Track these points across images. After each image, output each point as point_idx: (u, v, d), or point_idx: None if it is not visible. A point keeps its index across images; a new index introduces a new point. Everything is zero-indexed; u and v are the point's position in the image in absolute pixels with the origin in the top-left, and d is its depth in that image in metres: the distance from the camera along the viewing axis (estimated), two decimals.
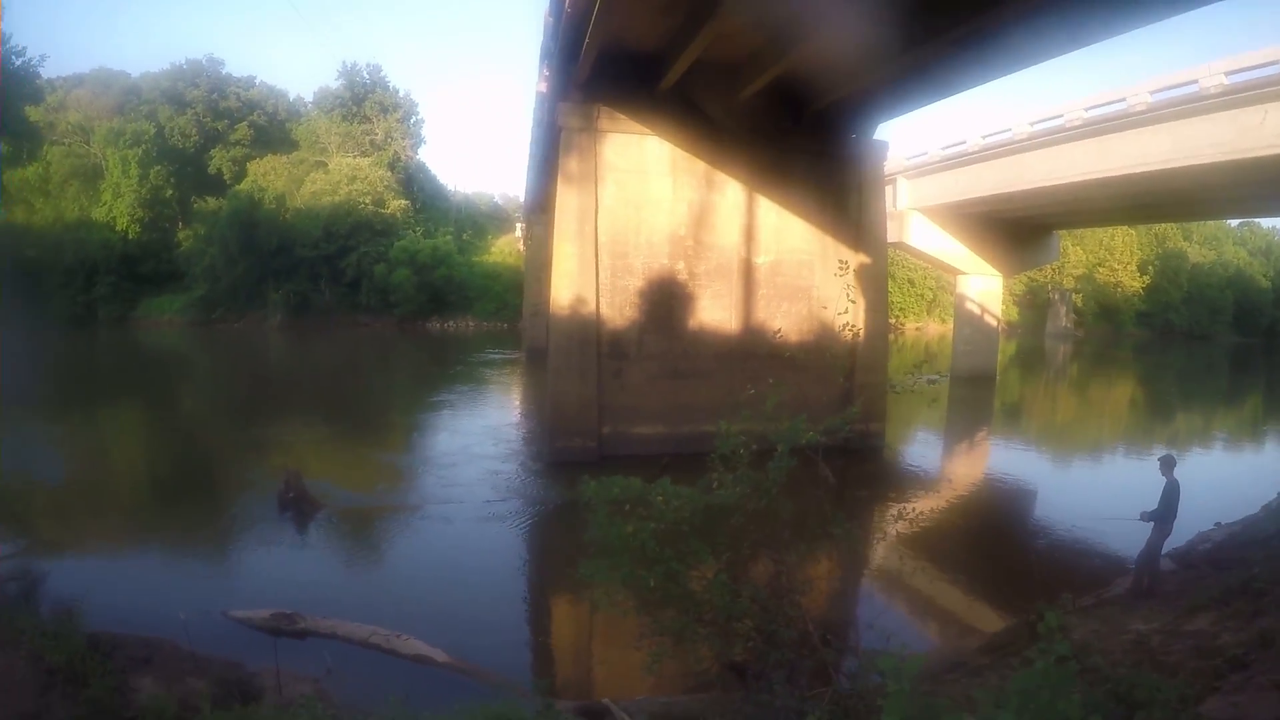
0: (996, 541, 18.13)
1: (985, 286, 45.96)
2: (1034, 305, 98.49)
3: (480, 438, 25.48)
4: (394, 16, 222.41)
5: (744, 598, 8.18)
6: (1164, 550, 12.45)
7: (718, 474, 8.29)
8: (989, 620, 12.89)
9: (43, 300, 68.27)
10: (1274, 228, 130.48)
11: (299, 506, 17.15)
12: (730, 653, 8.31)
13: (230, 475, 21.81)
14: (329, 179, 71.31)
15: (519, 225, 78.60)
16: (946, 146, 39.42)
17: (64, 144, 73.76)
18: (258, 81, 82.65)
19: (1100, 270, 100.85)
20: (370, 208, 70.65)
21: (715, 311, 23.48)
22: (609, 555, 7.85)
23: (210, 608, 11.69)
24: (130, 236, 72.27)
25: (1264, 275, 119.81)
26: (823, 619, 9.33)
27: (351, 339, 62.59)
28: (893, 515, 18.51)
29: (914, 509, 19.47)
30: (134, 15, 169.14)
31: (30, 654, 8.73)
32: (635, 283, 22.56)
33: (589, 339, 21.90)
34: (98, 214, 73.06)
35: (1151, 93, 27.30)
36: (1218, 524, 16.75)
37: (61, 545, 15.92)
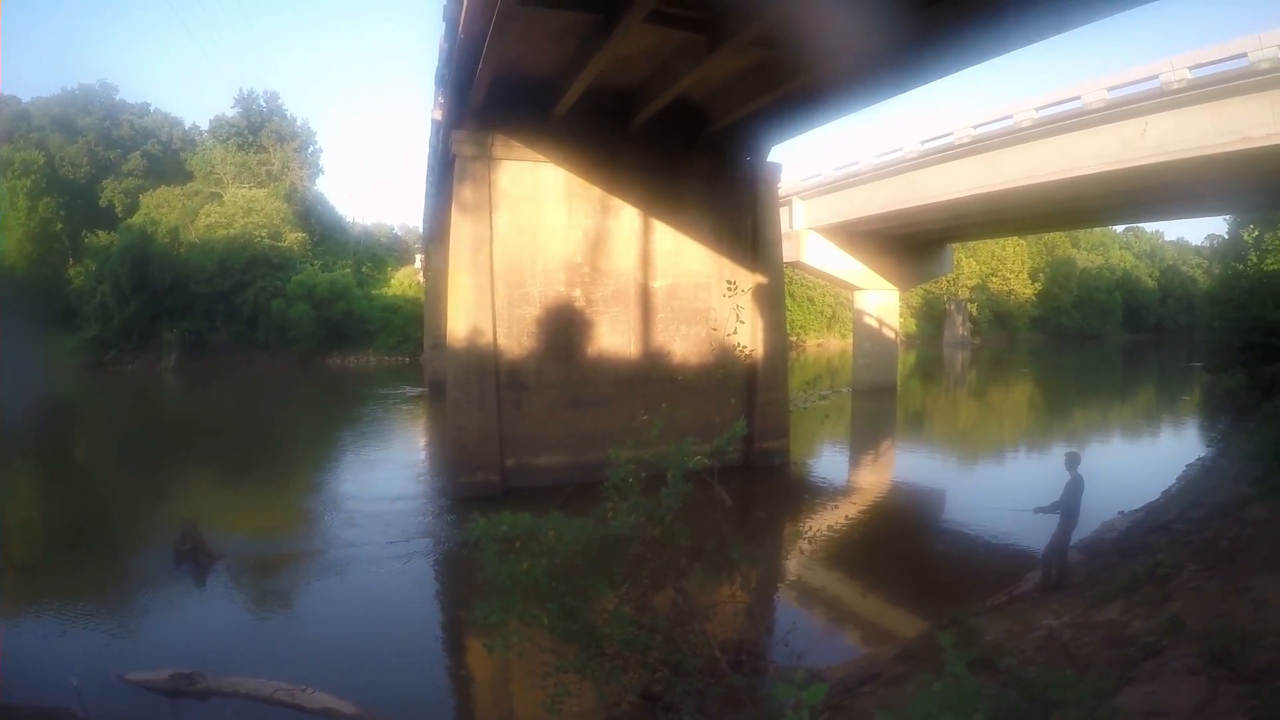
0: (906, 547, 18.47)
1: (882, 301, 47.13)
2: (931, 316, 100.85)
3: (383, 476, 25.07)
4: (292, 43, 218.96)
5: (645, 629, 8.08)
6: (1071, 543, 12.67)
7: (612, 503, 8.19)
8: (905, 626, 13.04)
9: None
10: (1158, 231, 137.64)
11: (197, 558, 16.55)
12: (635, 686, 8.19)
13: (125, 529, 20.88)
14: (224, 211, 69.34)
15: (418, 256, 77.37)
16: (840, 167, 40.36)
17: None
18: (152, 109, 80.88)
19: (993, 279, 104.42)
20: (267, 241, 68.67)
21: (614, 337, 23.43)
22: (502, 595, 7.67)
23: (107, 671, 11.29)
24: (18, 272, 68.18)
25: (1150, 276, 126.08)
26: (732, 643, 9.27)
27: (249, 378, 60.72)
28: (799, 530, 18.66)
29: (821, 522, 19.76)
30: (24, 37, 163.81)
31: None
32: (532, 311, 22.37)
33: (487, 370, 21.62)
34: None
35: (1036, 109, 28.25)
36: (1121, 513, 17.30)
37: None
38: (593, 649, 7.88)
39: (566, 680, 7.69)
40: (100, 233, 68.20)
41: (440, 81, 23.16)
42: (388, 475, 25.19)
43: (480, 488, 21.11)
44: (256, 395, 54.50)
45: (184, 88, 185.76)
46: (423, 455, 30.72)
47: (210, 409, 49.31)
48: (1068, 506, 11.88)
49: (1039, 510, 12.07)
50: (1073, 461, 11.92)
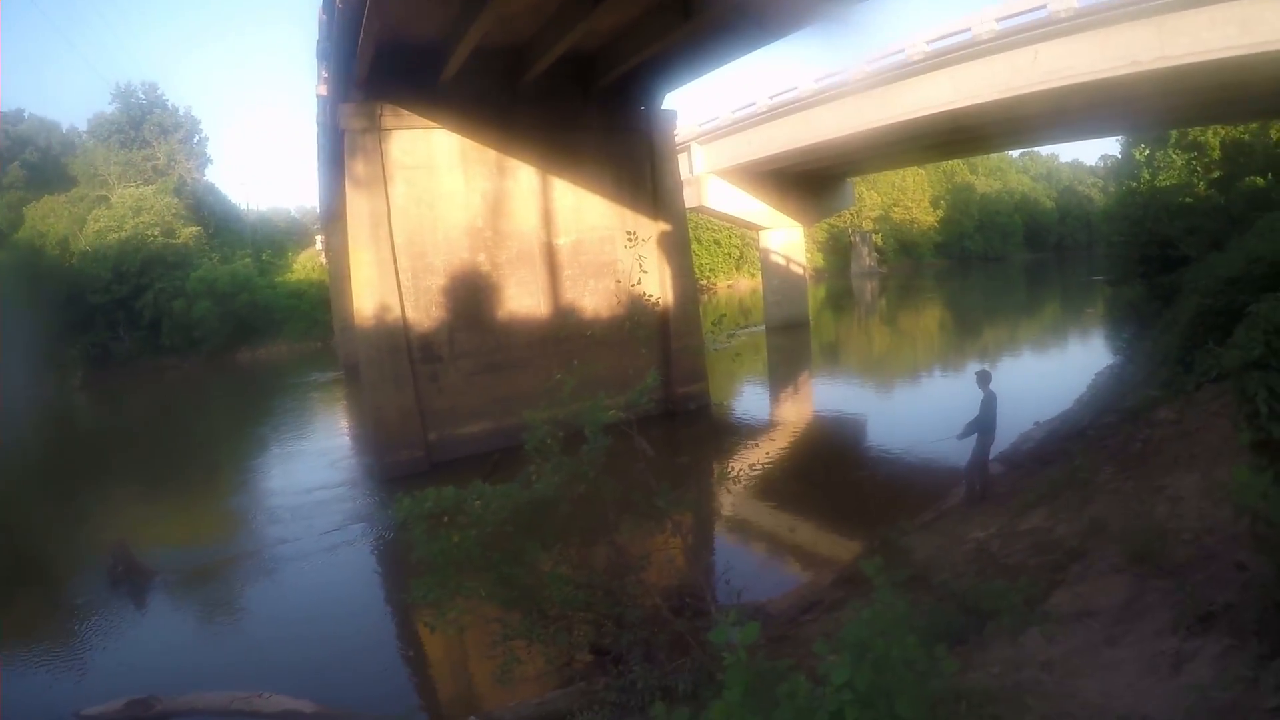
0: (833, 476, 18.68)
1: (787, 238, 47.55)
2: (837, 250, 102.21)
3: (308, 466, 24.67)
4: (165, 30, 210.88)
5: (584, 586, 8.12)
6: (991, 456, 13.07)
7: (535, 466, 8.19)
8: (841, 551, 13.32)
9: None
10: (1053, 154, 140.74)
11: (132, 578, 16.15)
12: (584, 643, 8.25)
13: (53, 560, 20.23)
14: (113, 214, 66.24)
15: (318, 238, 75.53)
16: (737, 110, 40.23)
17: None
18: (27, 115, 76.98)
19: (895, 210, 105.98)
20: (160, 240, 65.83)
21: (523, 299, 23.33)
22: (436, 571, 7.66)
23: (59, 709, 11.15)
24: None
25: (1048, 197, 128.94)
26: (673, 589, 9.37)
27: (160, 385, 58.75)
28: (725, 471, 18.79)
29: (746, 460, 19.98)
30: None
31: None
32: (438, 281, 22.13)
33: (399, 346, 21.38)
34: None
35: (928, 42, 28.45)
36: (1037, 423, 17.68)
37: None
38: (535, 613, 7.98)
39: (514, 647, 7.76)
40: None
41: (323, 55, 22.64)
42: (312, 465, 24.79)
43: (406, 465, 20.97)
44: (169, 402, 52.96)
45: (58, 89, 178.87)
46: (346, 440, 30.32)
47: (123, 423, 47.88)
48: (984, 422, 12.27)
49: (961, 436, 12.46)
50: (984, 379, 12.31)
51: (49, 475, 33.22)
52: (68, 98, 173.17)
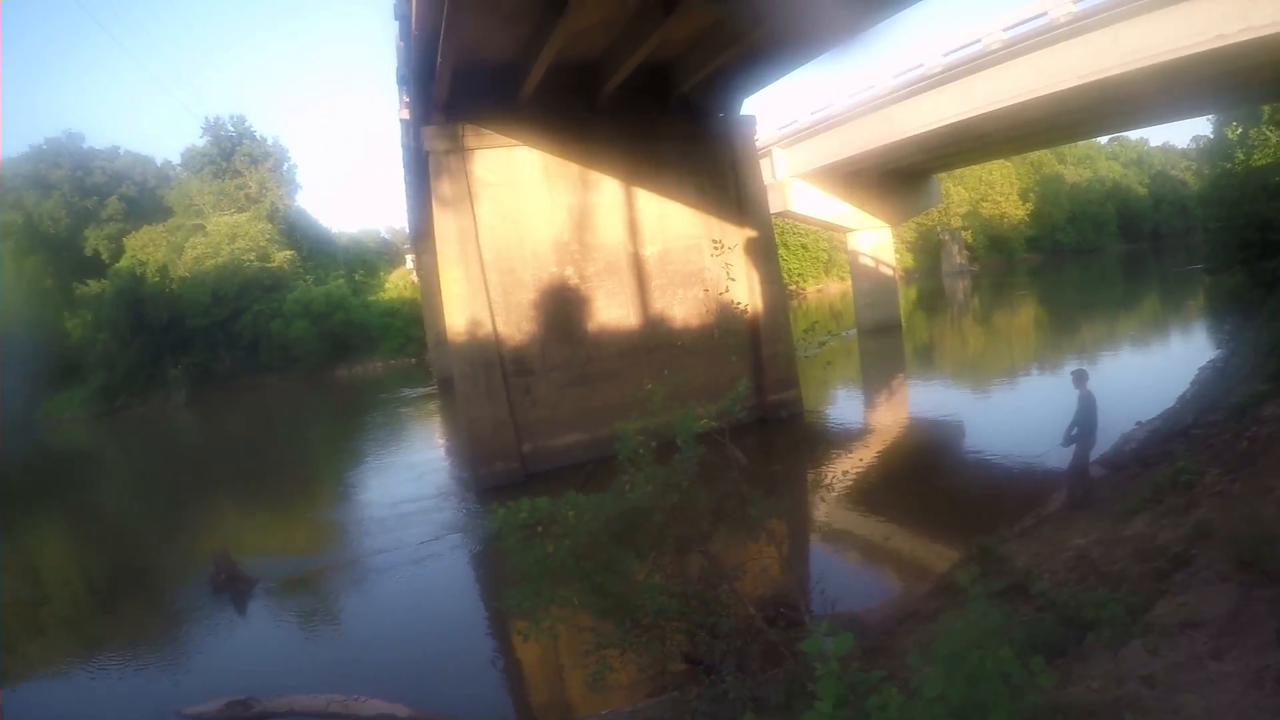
0: (929, 482, 18.38)
1: (875, 239, 46.75)
2: (927, 249, 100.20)
3: (405, 478, 25.12)
4: (250, 64, 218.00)
5: (678, 596, 8.12)
6: (1092, 458, 12.65)
7: (628, 476, 8.20)
8: (938, 560, 13.04)
9: None
10: (1143, 138, 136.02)
11: (234, 586, 16.74)
12: (677, 653, 8.25)
13: (159, 568, 21.08)
14: (209, 241, 68.90)
15: (409, 257, 77.21)
16: (815, 111, 39.67)
17: None
18: (122, 151, 79.83)
19: (984, 205, 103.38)
20: (256, 264, 68.50)
21: (612, 310, 23.39)
22: (531, 581, 7.73)
23: (162, 709, 11.56)
24: (15, 335, 68.38)
25: (1140, 184, 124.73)
26: (767, 598, 9.31)
27: (259, 402, 60.89)
28: (819, 479, 18.61)
29: (840, 467, 19.72)
30: None
31: None
32: (528, 295, 22.34)
33: (491, 360, 21.63)
34: None
35: (1004, 30, 27.83)
36: (1139, 423, 17.07)
37: (5, 674, 15.32)
38: (628, 622, 7.95)
39: (607, 656, 7.77)
40: (90, 281, 68.67)
41: (403, 81, 23.03)
42: (408, 477, 25.23)
43: (501, 477, 21.21)
44: (269, 418, 54.68)
45: (149, 125, 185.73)
46: (440, 453, 30.83)
47: (225, 439, 49.55)
48: (1084, 424, 11.82)
49: (1065, 443, 12.04)
50: (1080, 378, 11.86)
51: (155, 488, 34.62)
52: (160, 133, 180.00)
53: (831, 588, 8.64)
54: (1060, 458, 12.94)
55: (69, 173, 72.86)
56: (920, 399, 29.74)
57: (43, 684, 14.89)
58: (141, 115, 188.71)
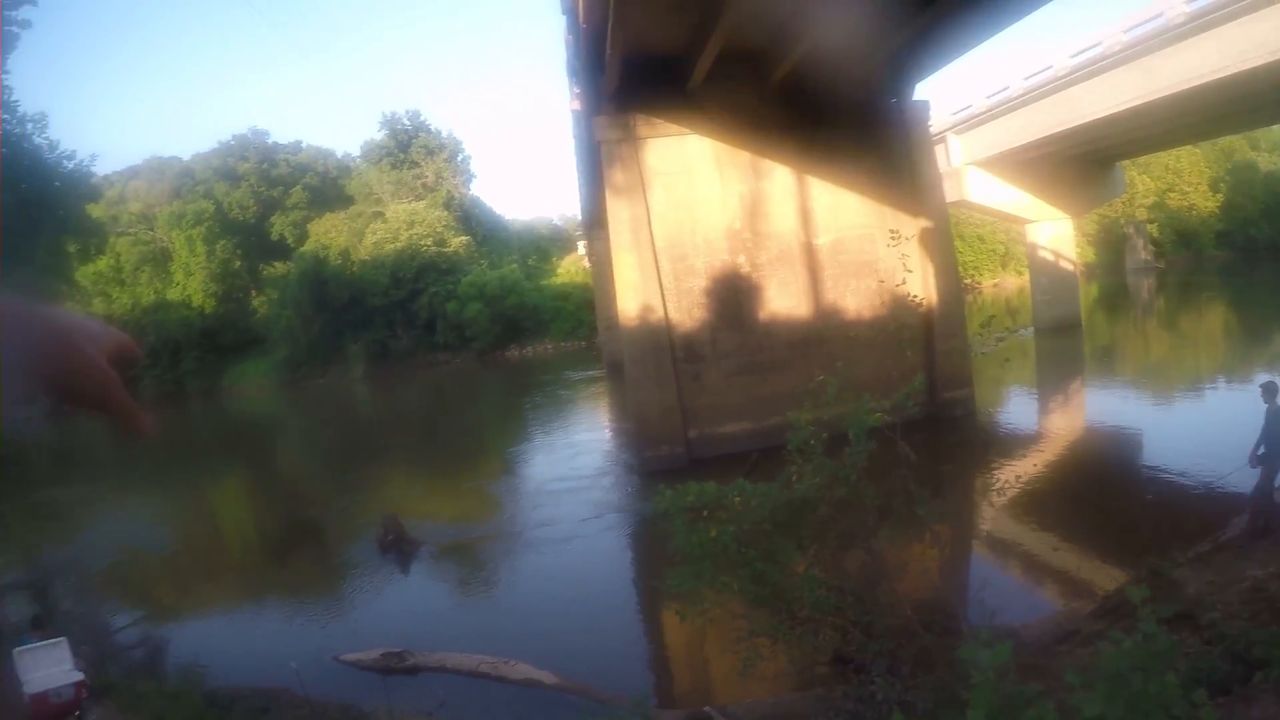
0: (1102, 496, 17.47)
1: (1055, 231, 44.47)
2: (1109, 243, 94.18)
3: (570, 456, 25.76)
4: (424, 62, 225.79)
5: (836, 590, 8.08)
6: (1278, 483, 11.67)
7: (796, 466, 8.19)
8: (1103, 580, 12.45)
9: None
10: None
11: (399, 547, 17.64)
12: (827, 649, 8.21)
13: (331, 525, 22.37)
14: (388, 227, 72.34)
15: (580, 243, 79.75)
16: (991, 94, 38.28)
17: (130, 234, 76.26)
18: (304, 145, 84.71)
19: (1171, 195, 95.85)
20: (433, 249, 71.38)
21: (783, 299, 23.27)
22: (692, 563, 7.82)
23: (322, 654, 12.24)
24: (207, 311, 75.08)
25: None
26: (924, 602, 9.16)
27: (434, 378, 63.68)
28: (988, 483, 18.13)
29: (1011, 473, 19.09)
30: (173, 103, 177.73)
31: (152, 718, 9.05)
32: (699, 283, 22.47)
33: (661, 345, 21.88)
34: (172, 294, 76.02)
35: (1187, 2, 26.15)
36: None
37: (178, 610, 16.63)
38: (784, 613, 7.95)
39: (759, 644, 7.81)
40: (276, 264, 73.95)
41: (573, 72, 23.49)
42: (574, 455, 25.86)
43: (666, 460, 21.43)
44: (442, 393, 56.95)
45: (331, 122, 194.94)
46: (606, 434, 31.34)
47: (399, 410, 51.79)
48: (1272, 444, 11.01)
49: (1251, 465, 11.24)
50: (1271, 392, 11.02)
51: (331, 452, 36.49)
52: (339, 129, 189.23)
53: (990, 598, 8.38)
54: (1245, 480, 12.07)
55: (255, 165, 78.13)
56: (1097, 405, 28.26)
57: (214, 621, 16.20)
58: (322, 113, 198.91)
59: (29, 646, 10.62)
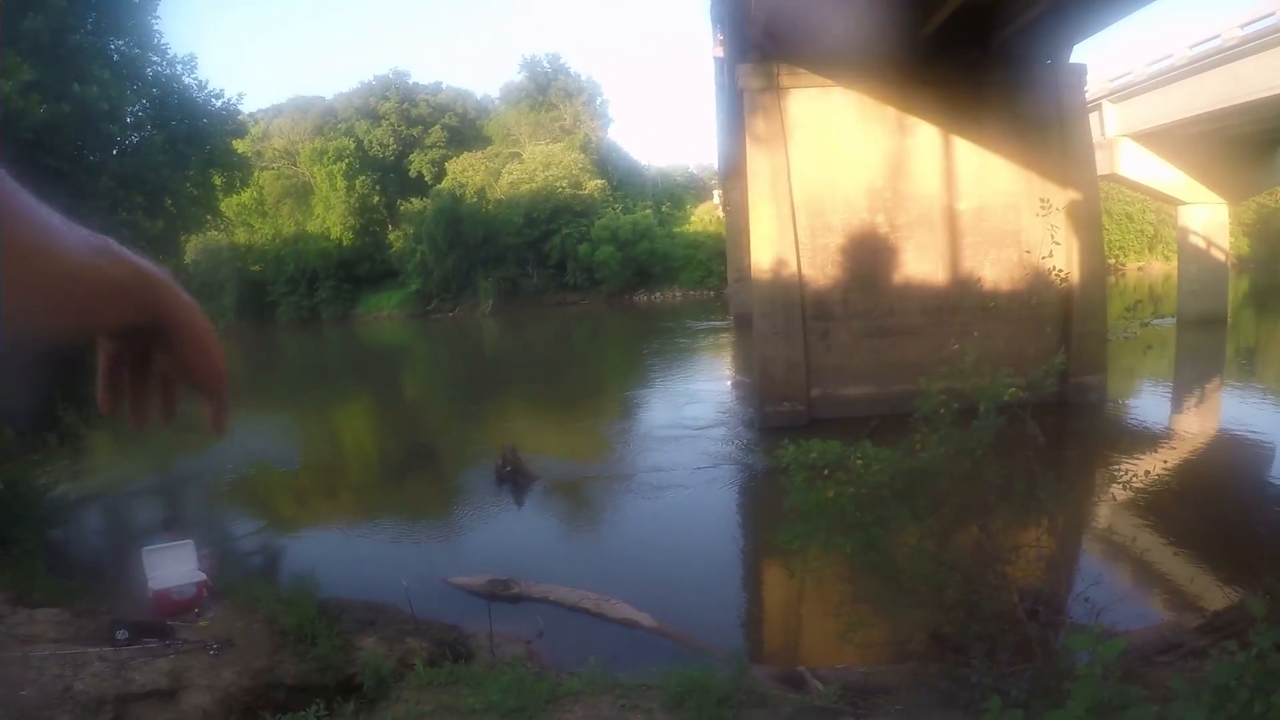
0: (1228, 505, 16.52)
1: (1209, 217, 41.23)
2: (1267, 235, 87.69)
3: (689, 405, 25.84)
4: (565, 3, 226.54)
5: (946, 566, 7.91)
6: None
7: (921, 435, 7.98)
8: (1215, 595, 11.76)
9: (270, 308, 77.94)
10: None
11: (515, 480, 18.02)
12: (930, 623, 8.06)
13: (450, 453, 22.96)
14: (525, 168, 73.58)
15: (716, 193, 79.18)
16: (1152, 63, 35.73)
17: (273, 168, 79.67)
18: (444, 86, 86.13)
19: None
20: (568, 191, 72.15)
21: (919, 264, 22.65)
22: (807, 520, 7.73)
23: (431, 575, 12.69)
24: (344, 243, 78.09)
25: None
26: (1031, 590, 8.88)
27: (561, 318, 65.01)
28: (1113, 475, 17.39)
29: (1136, 469, 18.22)
30: (318, 45, 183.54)
31: (266, 618, 9.51)
32: (835, 240, 22.07)
33: (792, 301, 21.64)
34: (312, 226, 79.37)
35: None
36: None
37: (298, 523, 17.36)
38: (891, 582, 7.84)
39: (861, 611, 7.72)
40: (413, 200, 75.69)
41: (717, 19, 23.17)
42: (694, 405, 25.92)
43: (786, 417, 21.23)
44: (568, 334, 57.97)
45: (471, 64, 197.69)
46: (726, 385, 31.27)
47: (525, 347, 53.00)
48: None
49: None
50: None
51: (456, 382, 37.58)
52: (479, 71, 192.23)
53: (1098, 596, 8.02)
54: None
55: (396, 105, 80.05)
56: (1234, 409, 26.24)
57: (331, 536, 16.87)
58: (462, 55, 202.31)
59: (158, 546, 11.17)
